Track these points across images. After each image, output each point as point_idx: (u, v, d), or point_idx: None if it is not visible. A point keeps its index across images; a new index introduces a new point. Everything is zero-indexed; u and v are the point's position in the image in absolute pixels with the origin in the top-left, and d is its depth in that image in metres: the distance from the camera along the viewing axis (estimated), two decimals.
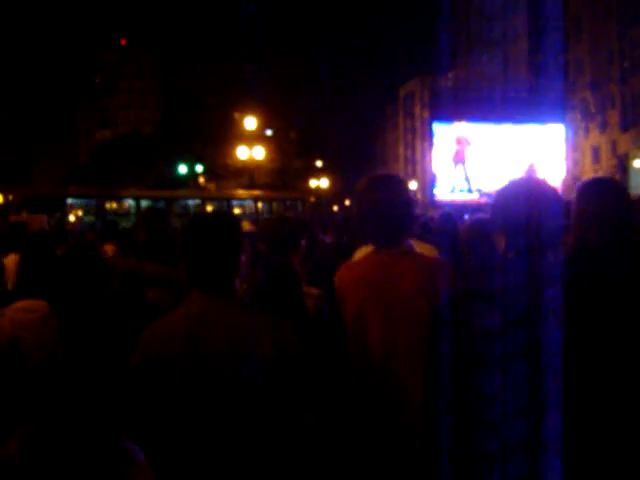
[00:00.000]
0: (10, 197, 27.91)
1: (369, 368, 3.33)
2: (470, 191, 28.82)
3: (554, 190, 2.79)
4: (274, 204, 35.89)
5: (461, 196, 28.41)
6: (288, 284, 3.70)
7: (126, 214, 30.35)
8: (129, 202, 32.48)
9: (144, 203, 31.62)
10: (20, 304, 2.91)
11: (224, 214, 2.97)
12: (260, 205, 35.41)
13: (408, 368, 3.22)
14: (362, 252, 5.35)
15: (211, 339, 2.62)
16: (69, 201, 30.71)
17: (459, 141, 29.10)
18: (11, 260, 6.56)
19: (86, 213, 30.29)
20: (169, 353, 2.64)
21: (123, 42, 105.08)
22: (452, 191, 28.48)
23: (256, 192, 38.45)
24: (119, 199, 32.70)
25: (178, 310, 2.75)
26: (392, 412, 3.27)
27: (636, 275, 2.67)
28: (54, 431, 1.76)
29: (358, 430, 3.37)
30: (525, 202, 2.64)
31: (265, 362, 2.59)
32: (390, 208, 3.36)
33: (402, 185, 3.49)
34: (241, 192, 39.51)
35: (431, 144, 29.52)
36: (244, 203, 35.48)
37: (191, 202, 33.82)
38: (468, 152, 29.21)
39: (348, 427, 3.43)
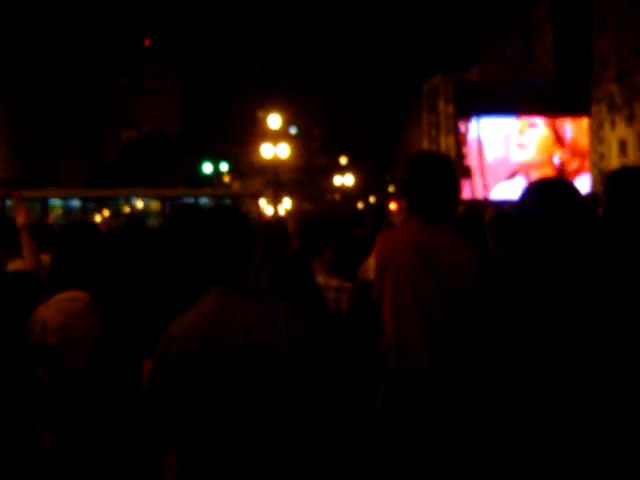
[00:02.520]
0: None
1: (405, 339, 3.36)
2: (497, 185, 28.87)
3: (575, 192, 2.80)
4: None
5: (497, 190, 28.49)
6: (300, 277, 3.74)
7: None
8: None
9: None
10: (62, 295, 2.91)
11: (234, 209, 2.99)
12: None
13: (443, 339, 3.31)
14: None
15: (228, 334, 2.65)
16: None
17: (487, 136, 29.13)
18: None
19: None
20: (188, 351, 2.67)
21: (147, 42, 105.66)
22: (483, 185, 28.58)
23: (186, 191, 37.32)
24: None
25: (195, 307, 2.77)
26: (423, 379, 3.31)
27: None
28: (92, 424, 1.76)
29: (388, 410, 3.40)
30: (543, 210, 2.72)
31: (280, 353, 2.62)
32: (445, 185, 3.50)
33: (454, 165, 3.71)
34: (181, 190, 38.45)
35: (458, 131, 29.51)
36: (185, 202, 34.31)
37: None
38: (493, 148, 29.19)
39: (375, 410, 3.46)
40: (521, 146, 29.83)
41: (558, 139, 30.30)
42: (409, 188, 3.53)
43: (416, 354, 3.36)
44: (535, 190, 2.82)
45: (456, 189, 3.59)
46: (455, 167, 3.73)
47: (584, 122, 30.65)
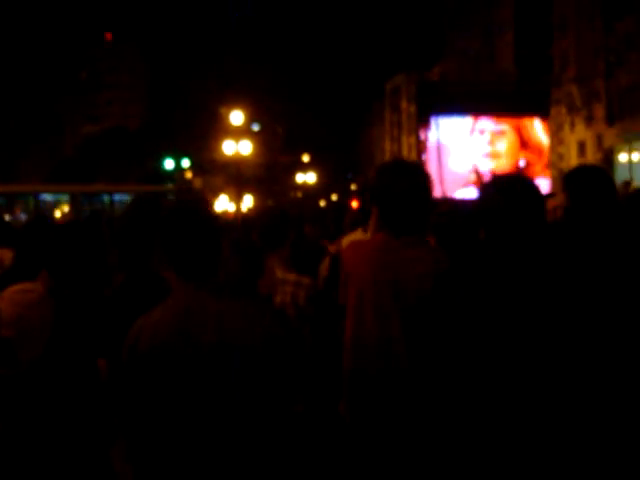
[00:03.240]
0: None
1: (366, 349, 3.38)
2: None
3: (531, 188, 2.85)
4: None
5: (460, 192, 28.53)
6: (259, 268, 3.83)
7: None
8: None
9: None
10: (16, 287, 2.91)
11: (201, 204, 2.96)
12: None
13: (402, 352, 3.28)
14: (347, 240, 5.37)
15: (199, 330, 2.63)
16: None
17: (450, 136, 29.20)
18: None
19: None
20: (158, 346, 2.64)
21: (108, 37, 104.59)
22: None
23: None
24: None
25: (165, 303, 2.74)
26: (387, 388, 3.31)
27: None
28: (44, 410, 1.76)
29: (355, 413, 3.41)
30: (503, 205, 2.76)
31: (253, 350, 2.61)
32: (418, 197, 3.47)
33: (427, 177, 3.63)
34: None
35: (418, 138, 29.58)
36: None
37: None
38: (454, 155, 29.31)
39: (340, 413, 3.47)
40: (494, 155, 29.98)
41: (523, 143, 30.51)
42: (381, 198, 3.49)
43: (371, 355, 3.37)
44: (494, 183, 2.88)
45: (429, 201, 3.56)
46: (429, 178, 3.64)
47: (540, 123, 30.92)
